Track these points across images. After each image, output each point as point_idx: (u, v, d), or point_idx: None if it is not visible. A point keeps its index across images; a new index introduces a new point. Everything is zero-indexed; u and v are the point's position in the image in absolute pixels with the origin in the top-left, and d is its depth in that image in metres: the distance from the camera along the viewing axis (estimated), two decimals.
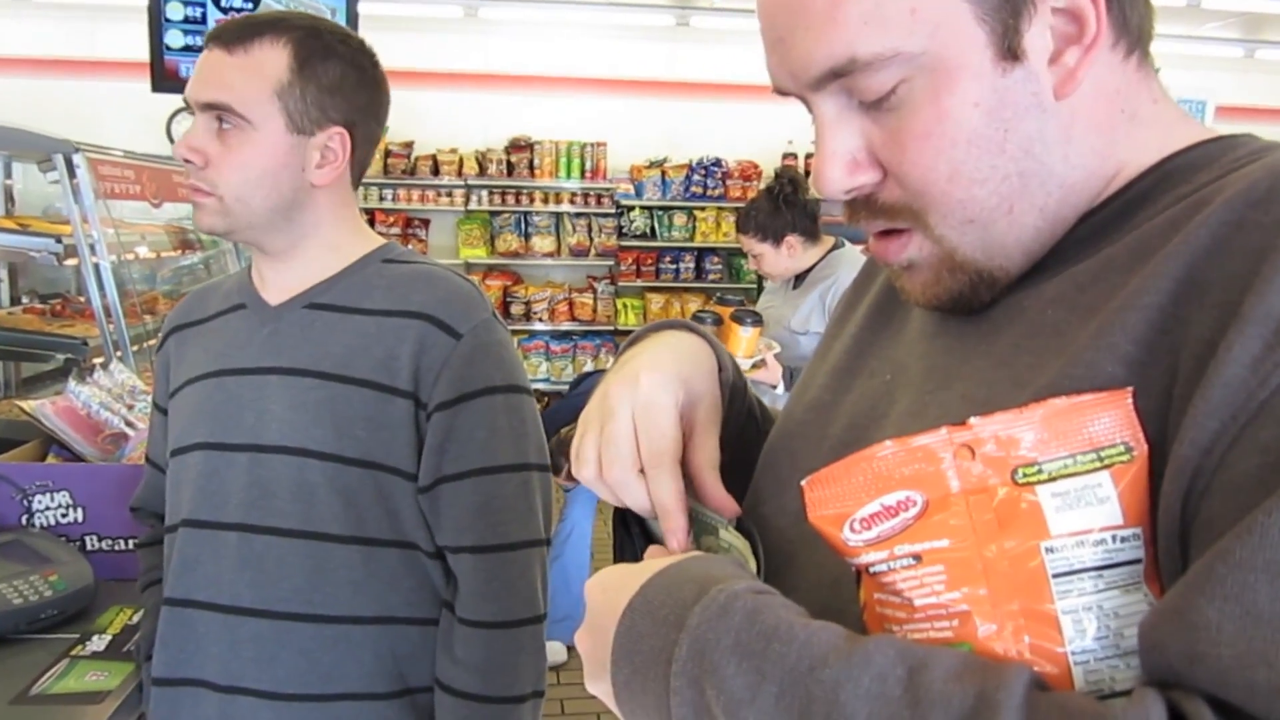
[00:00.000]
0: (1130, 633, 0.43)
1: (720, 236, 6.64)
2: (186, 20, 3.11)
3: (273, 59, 1.12)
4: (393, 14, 5.77)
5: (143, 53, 3.13)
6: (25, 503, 1.66)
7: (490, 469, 1.16)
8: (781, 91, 0.57)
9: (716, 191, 6.61)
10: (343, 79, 1.16)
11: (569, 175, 6.57)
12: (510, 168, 6.52)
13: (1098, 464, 0.44)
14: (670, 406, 0.61)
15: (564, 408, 3.19)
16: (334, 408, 1.14)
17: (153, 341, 2.64)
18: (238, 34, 1.13)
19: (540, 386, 6.26)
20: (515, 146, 6.54)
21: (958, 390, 0.55)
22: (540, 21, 6.48)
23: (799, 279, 2.89)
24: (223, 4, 3.10)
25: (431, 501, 1.16)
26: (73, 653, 1.41)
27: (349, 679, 1.16)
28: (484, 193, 6.51)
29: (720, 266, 6.74)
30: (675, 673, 0.47)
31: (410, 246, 3.95)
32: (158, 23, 3.09)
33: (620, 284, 6.73)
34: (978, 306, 0.57)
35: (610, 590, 0.53)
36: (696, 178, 6.59)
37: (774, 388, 2.63)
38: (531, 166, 6.54)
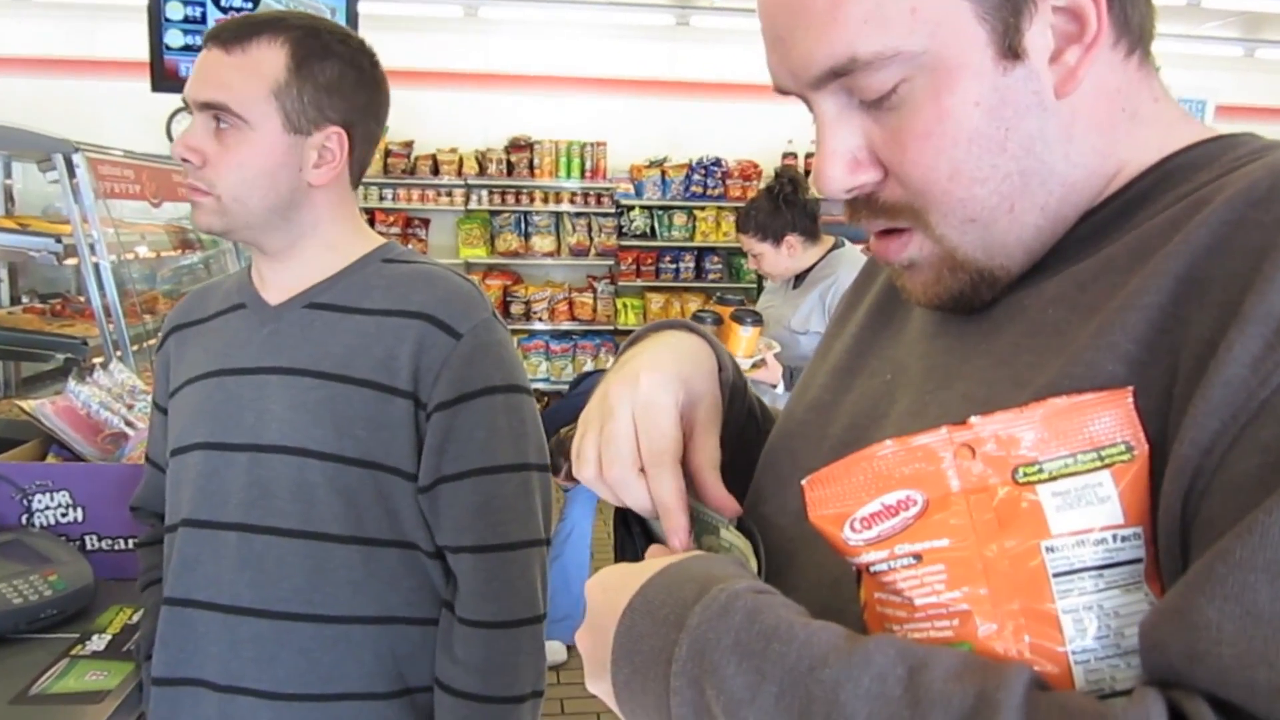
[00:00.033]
0: (1131, 632, 0.43)
1: (720, 236, 6.64)
2: (186, 20, 3.11)
3: (270, 59, 1.12)
4: (393, 13, 5.77)
5: (143, 52, 3.13)
6: (25, 502, 1.66)
7: (490, 469, 1.16)
8: (782, 91, 0.57)
9: (716, 191, 6.61)
10: (341, 79, 1.16)
11: (569, 175, 6.57)
12: (510, 167, 6.52)
13: (1098, 463, 0.44)
14: (670, 406, 0.61)
15: (564, 408, 3.19)
16: (334, 407, 1.14)
17: (152, 341, 2.64)
18: (235, 34, 1.13)
19: (540, 386, 6.26)
20: (515, 146, 6.54)
21: (958, 390, 0.55)
22: (540, 21, 6.48)
23: (799, 279, 2.89)
24: (222, 4, 3.10)
25: (431, 501, 1.16)
26: (72, 652, 1.41)
27: (349, 679, 1.16)
28: (484, 192, 6.51)
29: (720, 266, 6.74)
30: (675, 672, 0.47)
31: (410, 246, 3.94)
32: (157, 22, 3.09)
33: (620, 284, 6.73)
34: (978, 306, 0.57)
35: (610, 590, 0.53)
36: (696, 177, 6.59)
37: (774, 387, 2.63)
38: (531, 166, 6.54)
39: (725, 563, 0.54)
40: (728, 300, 2.89)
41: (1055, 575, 0.44)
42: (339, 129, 1.16)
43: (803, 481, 0.48)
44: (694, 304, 6.42)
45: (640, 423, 0.61)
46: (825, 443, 0.63)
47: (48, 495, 1.66)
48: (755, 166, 6.60)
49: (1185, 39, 6.44)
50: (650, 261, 6.71)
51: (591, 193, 6.58)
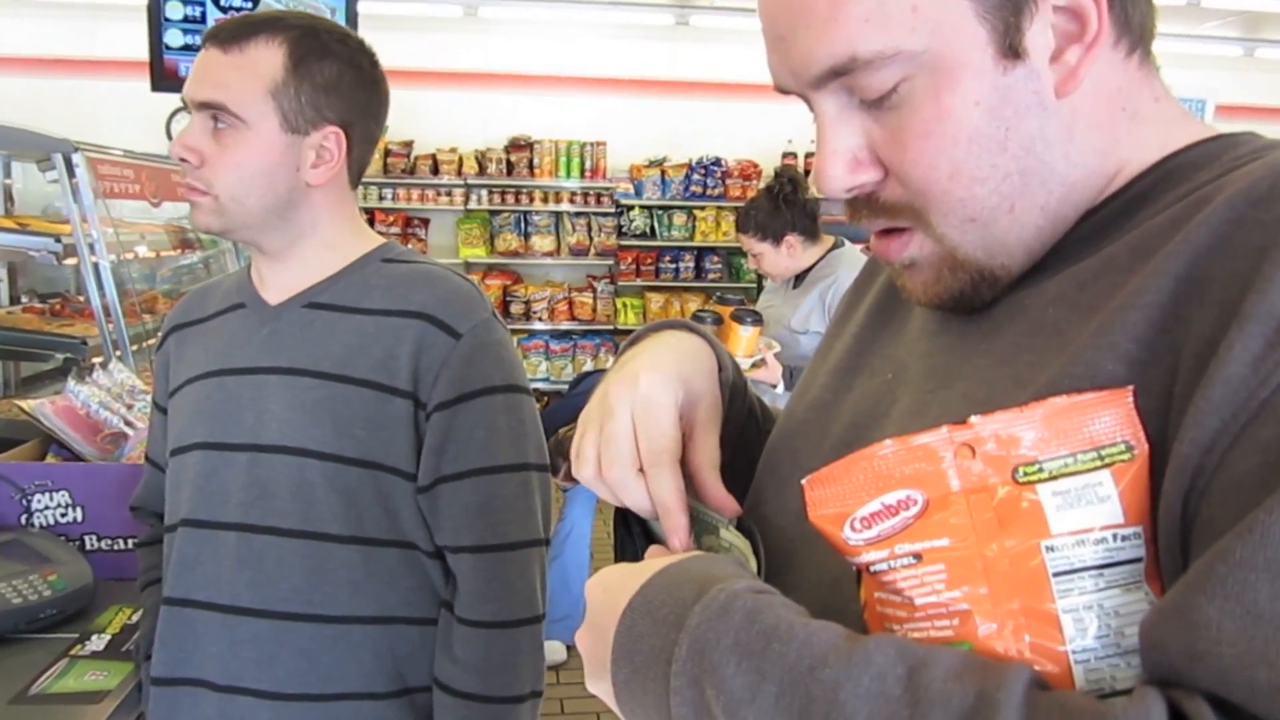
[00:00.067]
0: (1131, 631, 0.43)
1: (720, 236, 6.64)
2: (186, 19, 3.11)
3: (267, 58, 1.12)
4: (392, 13, 5.77)
5: (142, 52, 3.13)
6: (24, 502, 1.65)
7: (489, 469, 1.16)
8: (783, 90, 0.57)
9: (716, 191, 6.61)
10: (339, 78, 1.16)
11: (568, 175, 6.57)
12: (510, 167, 6.52)
13: (1098, 463, 0.44)
14: (670, 406, 0.61)
15: (563, 408, 3.19)
16: (333, 407, 1.14)
17: (152, 341, 2.64)
18: (233, 33, 1.13)
19: (540, 386, 6.26)
20: (515, 146, 6.54)
21: (959, 389, 0.55)
22: (540, 21, 6.48)
23: (799, 278, 2.89)
24: (222, 3, 3.10)
25: (431, 501, 1.16)
26: (72, 652, 1.41)
27: (348, 679, 1.16)
28: (483, 192, 6.51)
29: (720, 266, 6.74)
30: (675, 672, 0.47)
31: (410, 246, 3.94)
32: (157, 22, 3.09)
33: (620, 283, 6.73)
34: (979, 305, 0.57)
35: (610, 590, 0.53)
36: (696, 177, 6.59)
37: (774, 387, 2.63)
38: (531, 166, 6.54)
39: (725, 563, 0.54)
40: (727, 300, 2.89)
41: (1055, 575, 0.44)
42: (337, 129, 1.16)
43: (803, 481, 0.48)
44: (694, 304, 6.42)
45: (640, 422, 0.61)
46: (826, 442, 0.63)
47: (47, 495, 1.66)
48: (755, 166, 6.60)
49: (1185, 38, 6.45)
50: (650, 261, 6.71)
51: (591, 192, 6.58)
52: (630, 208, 6.67)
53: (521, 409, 1.20)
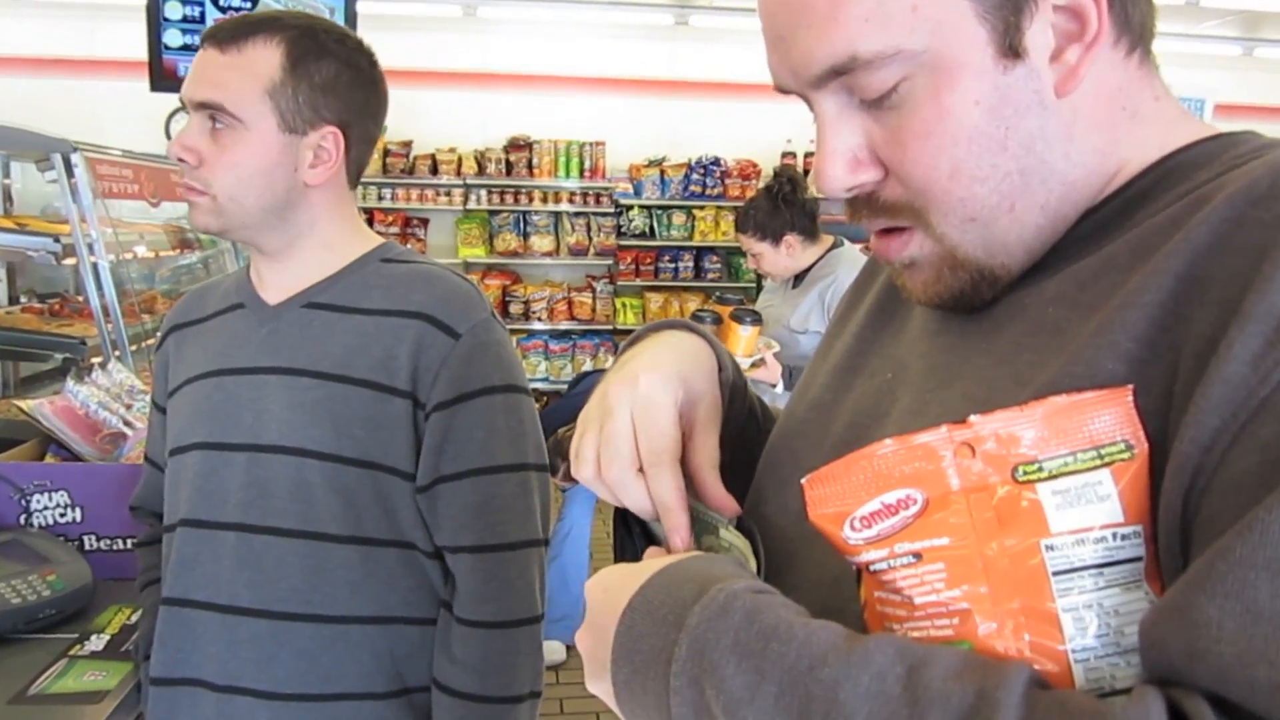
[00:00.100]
0: (1131, 630, 0.43)
1: (719, 235, 6.64)
2: (185, 19, 3.11)
3: (265, 58, 1.12)
4: (391, 13, 5.77)
5: (141, 52, 3.13)
6: (23, 502, 1.65)
7: (489, 469, 1.16)
8: (783, 90, 0.57)
9: (715, 190, 6.60)
10: (336, 78, 1.16)
11: (568, 174, 6.56)
12: (509, 167, 6.52)
13: (1098, 462, 0.44)
14: (669, 405, 0.61)
15: (562, 408, 3.19)
16: (332, 407, 1.14)
17: (151, 341, 2.64)
18: (231, 33, 1.13)
19: (539, 386, 6.26)
20: (514, 146, 6.54)
21: (959, 388, 0.55)
22: (539, 20, 6.48)
23: (798, 278, 2.89)
24: (221, 3, 3.09)
25: (430, 501, 1.16)
26: (71, 652, 1.41)
27: (347, 679, 1.16)
28: (483, 192, 6.51)
29: (719, 265, 6.74)
30: (675, 672, 0.47)
31: (409, 246, 3.94)
32: (156, 22, 3.09)
33: (619, 283, 6.73)
34: (979, 304, 0.57)
35: (610, 590, 0.53)
36: (695, 177, 6.59)
37: (773, 386, 2.63)
38: (530, 166, 6.53)
39: (724, 563, 0.54)
40: (727, 300, 2.89)
41: (1055, 574, 0.44)
42: (335, 129, 1.16)
43: (802, 480, 0.48)
44: (693, 303, 6.42)
45: (639, 422, 0.61)
46: (826, 442, 0.63)
47: (46, 495, 1.66)
48: (754, 166, 6.60)
49: (1184, 38, 6.45)
50: (649, 261, 6.71)
51: (590, 192, 6.57)
52: (629, 207, 6.66)
53: (520, 409, 1.20)
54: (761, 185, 3.32)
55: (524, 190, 6.55)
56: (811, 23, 0.52)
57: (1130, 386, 0.45)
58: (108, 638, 1.46)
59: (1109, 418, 0.45)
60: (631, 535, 0.67)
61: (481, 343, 1.17)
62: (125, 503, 1.41)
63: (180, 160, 1.14)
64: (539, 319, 6.56)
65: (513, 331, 5.12)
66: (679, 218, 6.70)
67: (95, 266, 2.57)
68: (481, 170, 6.50)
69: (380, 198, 6.44)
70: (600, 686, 0.53)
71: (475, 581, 1.16)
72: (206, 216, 1.16)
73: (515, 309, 6.53)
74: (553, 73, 6.61)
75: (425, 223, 6.62)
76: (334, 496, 1.14)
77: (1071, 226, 0.54)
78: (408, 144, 6.45)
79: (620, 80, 6.65)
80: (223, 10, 3.09)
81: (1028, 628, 0.44)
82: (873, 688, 0.41)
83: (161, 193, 3.05)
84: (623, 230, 6.68)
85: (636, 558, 0.62)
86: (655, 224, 6.73)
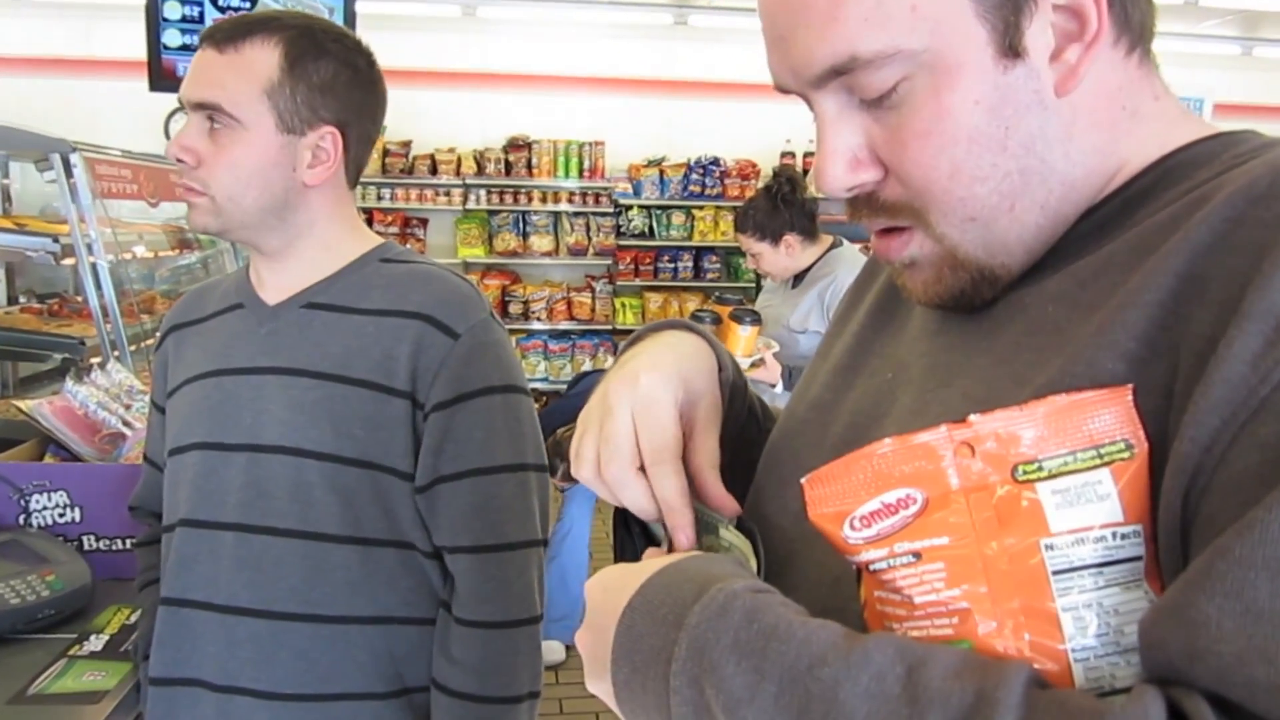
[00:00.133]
0: (1130, 630, 0.43)
1: (718, 235, 6.64)
2: (184, 19, 3.11)
3: (263, 58, 1.12)
4: (391, 13, 5.77)
5: (140, 52, 3.13)
6: (22, 502, 1.65)
7: (488, 469, 1.16)
8: (782, 89, 0.57)
9: (715, 190, 6.61)
10: (335, 78, 1.16)
11: (567, 174, 6.56)
12: (508, 167, 6.52)
13: (1098, 461, 0.44)
14: (670, 404, 0.61)
15: (561, 408, 3.19)
16: (331, 408, 1.13)
17: (150, 341, 2.64)
18: (229, 34, 1.13)
19: (538, 386, 6.26)
20: (513, 146, 6.54)
21: (959, 388, 0.55)
22: (538, 20, 6.48)
23: (798, 278, 2.89)
24: (220, 3, 3.09)
25: (429, 501, 1.16)
26: (70, 652, 1.41)
27: (346, 679, 1.15)
28: (482, 192, 6.51)
29: (718, 265, 6.74)
30: (675, 672, 0.47)
31: (408, 246, 3.94)
32: (155, 22, 3.09)
33: (618, 283, 6.73)
34: (979, 304, 0.57)
35: (610, 590, 0.53)
36: (695, 177, 6.59)
37: (773, 386, 2.63)
38: (529, 166, 6.53)
39: (724, 562, 0.54)
40: (726, 300, 2.89)
41: (1055, 573, 0.44)
42: (333, 129, 1.16)
43: (802, 480, 0.48)
44: (692, 303, 6.42)
45: (640, 421, 0.61)
46: (826, 441, 0.63)
47: (45, 495, 1.66)
48: (753, 166, 6.60)
49: (1183, 37, 6.45)
50: (649, 261, 6.71)
51: (590, 192, 6.58)
52: (629, 207, 6.66)
53: (519, 409, 1.20)
54: (761, 185, 3.32)
55: (523, 190, 6.55)
56: (811, 23, 0.52)
57: (1130, 386, 0.45)
58: (107, 638, 1.46)
59: (1109, 417, 0.45)
60: (631, 535, 0.67)
61: (481, 343, 1.17)
62: (124, 503, 1.41)
63: (178, 160, 1.14)
64: (538, 319, 6.56)
65: (512, 331, 5.13)
66: (678, 218, 6.70)
67: (94, 267, 2.57)
68: (481, 170, 6.50)
69: (379, 198, 6.44)
70: (600, 686, 0.53)
71: (474, 582, 1.15)
72: (205, 217, 1.16)
73: (514, 309, 6.53)
74: (552, 73, 6.61)
75: (424, 223, 6.62)
76: (333, 497, 1.14)
77: (1072, 226, 0.54)
78: (407, 144, 6.45)
79: (619, 80, 6.65)
80: (221, 10, 3.09)
81: (1027, 627, 0.44)
82: (872, 687, 0.41)
83: (160, 193, 3.05)
84: (622, 230, 6.68)
85: (636, 558, 0.62)
86: (654, 224, 6.73)
